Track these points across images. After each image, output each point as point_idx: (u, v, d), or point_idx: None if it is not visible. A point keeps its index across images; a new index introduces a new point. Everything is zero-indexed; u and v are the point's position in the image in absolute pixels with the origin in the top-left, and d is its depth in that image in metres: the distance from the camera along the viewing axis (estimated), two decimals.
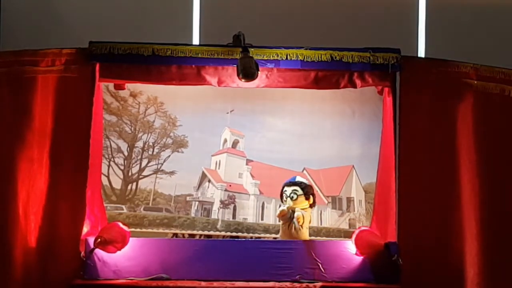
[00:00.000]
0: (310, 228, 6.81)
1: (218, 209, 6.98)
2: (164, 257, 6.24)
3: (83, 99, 6.20)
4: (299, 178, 6.61)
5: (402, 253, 6.06)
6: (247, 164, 7.02)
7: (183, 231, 6.92)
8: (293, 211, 6.45)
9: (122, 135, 6.97)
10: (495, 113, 6.39)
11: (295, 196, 6.52)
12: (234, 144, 7.03)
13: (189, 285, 6.08)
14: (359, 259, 6.26)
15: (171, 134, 6.97)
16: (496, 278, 6.27)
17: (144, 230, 6.87)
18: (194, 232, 6.93)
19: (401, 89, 6.30)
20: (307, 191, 6.54)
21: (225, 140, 7.00)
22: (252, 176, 7.00)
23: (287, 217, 6.47)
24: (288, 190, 6.54)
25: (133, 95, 6.93)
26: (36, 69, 6.25)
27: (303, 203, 6.51)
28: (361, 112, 6.90)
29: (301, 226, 6.43)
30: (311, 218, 6.57)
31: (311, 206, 6.57)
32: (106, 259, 6.20)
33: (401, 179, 6.23)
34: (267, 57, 6.28)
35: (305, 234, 6.47)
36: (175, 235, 6.90)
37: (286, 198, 6.52)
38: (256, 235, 6.87)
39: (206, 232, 6.93)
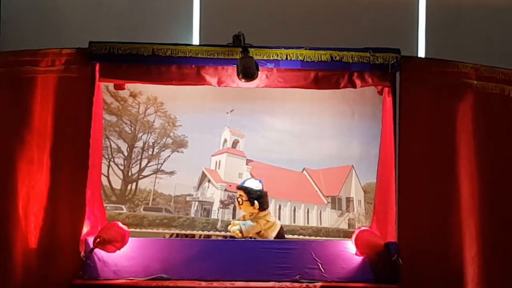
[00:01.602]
0: (309, 228, 6.82)
1: (218, 209, 6.98)
2: (164, 257, 6.24)
3: (83, 99, 6.20)
4: (248, 182, 6.66)
5: (402, 253, 6.06)
6: (247, 164, 7.03)
7: (183, 231, 6.92)
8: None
9: (122, 135, 6.97)
10: (495, 113, 6.38)
11: (240, 201, 6.62)
12: (234, 144, 7.03)
13: (189, 285, 6.08)
14: (359, 259, 6.26)
15: (171, 134, 6.97)
16: (496, 278, 6.27)
17: (144, 230, 6.87)
18: (194, 232, 6.92)
19: (401, 89, 6.30)
20: (251, 196, 6.57)
21: (225, 140, 7.00)
22: (252, 176, 7.00)
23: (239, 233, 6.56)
24: (236, 194, 6.65)
25: (133, 95, 6.93)
26: (36, 69, 6.25)
27: (249, 208, 6.57)
28: (361, 112, 6.90)
29: (245, 236, 6.50)
30: (270, 223, 6.58)
31: (261, 209, 6.57)
32: (106, 259, 6.20)
33: (401, 179, 6.23)
34: (267, 57, 6.28)
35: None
36: (175, 235, 6.90)
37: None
38: None
39: (206, 232, 6.92)
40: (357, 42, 6.51)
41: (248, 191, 6.59)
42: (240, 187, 6.63)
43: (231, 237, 6.85)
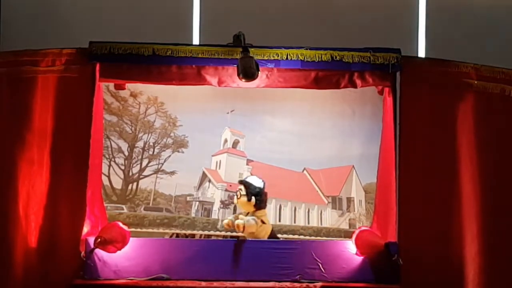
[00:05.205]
0: (310, 228, 6.82)
1: (219, 209, 6.98)
2: (164, 257, 6.24)
3: (83, 99, 6.20)
4: (250, 178, 6.67)
5: (402, 253, 6.06)
6: (247, 164, 7.02)
7: (183, 231, 6.92)
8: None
9: (122, 135, 6.97)
10: (495, 113, 6.39)
11: (238, 195, 6.63)
12: (235, 144, 7.03)
13: (189, 285, 6.09)
14: (359, 259, 6.26)
15: (172, 134, 6.97)
16: (496, 278, 6.27)
17: (144, 230, 6.87)
18: (194, 232, 6.92)
19: (401, 89, 6.31)
20: (250, 191, 6.57)
21: (226, 140, 7.00)
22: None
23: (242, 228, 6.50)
24: (238, 187, 6.64)
25: (134, 95, 6.93)
26: (36, 69, 6.25)
27: (246, 204, 6.56)
28: (361, 112, 6.90)
29: (244, 232, 6.44)
30: (265, 225, 6.55)
31: (257, 208, 6.56)
32: (106, 259, 6.20)
33: (401, 179, 6.23)
34: (267, 57, 6.28)
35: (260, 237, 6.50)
36: (175, 235, 6.89)
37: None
38: None
39: (206, 232, 6.92)
40: (357, 42, 6.51)
41: (247, 185, 6.60)
42: (241, 181, 6.66)
43: (232, 237, 6.85)
